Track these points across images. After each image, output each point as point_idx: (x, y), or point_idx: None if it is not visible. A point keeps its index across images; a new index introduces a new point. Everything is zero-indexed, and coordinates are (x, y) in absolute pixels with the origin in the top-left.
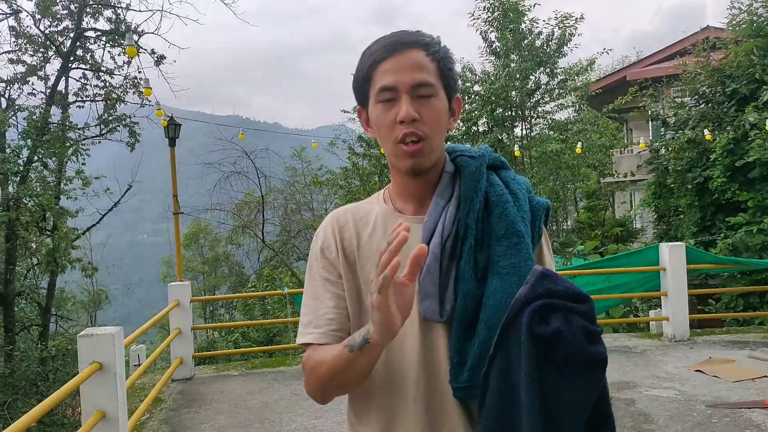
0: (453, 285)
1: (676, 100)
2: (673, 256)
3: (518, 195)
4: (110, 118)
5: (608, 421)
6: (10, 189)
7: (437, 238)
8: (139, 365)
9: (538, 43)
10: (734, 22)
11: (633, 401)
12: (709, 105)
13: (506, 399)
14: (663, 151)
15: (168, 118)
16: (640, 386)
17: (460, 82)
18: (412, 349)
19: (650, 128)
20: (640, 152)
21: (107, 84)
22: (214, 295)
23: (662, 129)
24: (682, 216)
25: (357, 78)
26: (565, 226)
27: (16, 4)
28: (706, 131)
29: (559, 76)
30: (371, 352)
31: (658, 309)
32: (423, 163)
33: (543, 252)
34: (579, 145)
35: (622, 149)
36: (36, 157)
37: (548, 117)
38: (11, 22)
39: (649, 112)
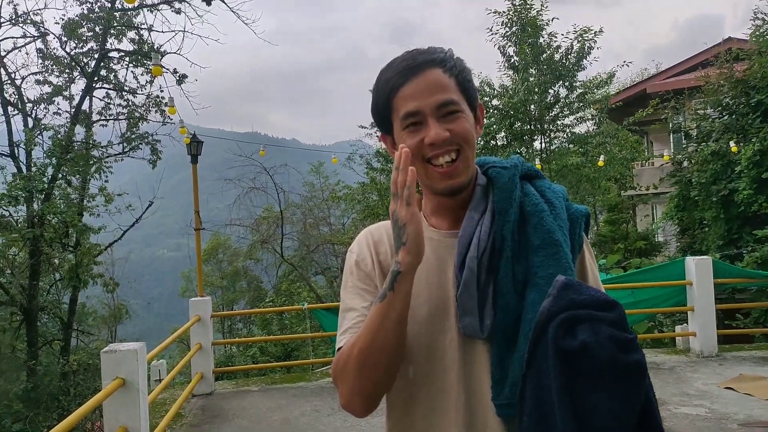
0: (492, 300)
1: (698, 112)
2: (699, 270)
3: (554, 203)
4: (133, 136)
5: None
6: (35, 206)
7: (473, 252)
8: (160, 380)
9: (556, 57)
10: (758, 33)
11: (662, 419)
12: (733, 116)
13: (542, 418)
14: (686, 163)
15: (191, 136)
16: (669, 404)
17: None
18: (452, 368)
19: (671, 141)
20: (662, 165)
21: (130, 103)
22: (232, 309)
23: (684, 141)
24: (706, 229)
25: (377, 107)
26: None
27: (43, 27)
28: (731, 143)
29: (578, 90)
30: (403, 285)
31: (684, 324)
32: (460, 183)
33: (585, 260)
34: (601, 158)
35: (644, 162)
36: (60, 175)
37: (567, 130)
38: (39, 44)
39: (671, 125)
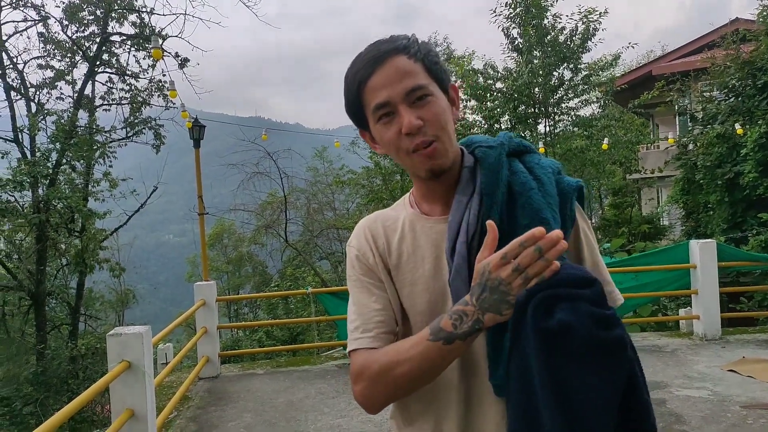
0: None
1: (704, 94)
2: (704, 254)
3: (543, 180)
4: (136, 121)
5: (646, 415)
6: (40, 191)
7: (462, 237)
8: (167, 364)
9: (561, 38)
10: (765, 14)
11: (664, 401)
12: (740, 99)
13: (528, 398)
14: (691, 146)
15: (193, 120)
16: (671, 386)
17: (481, 79)
18: None
19: (677, 123)
20: (667, 148)
21: (132, 87)
22: (237, 294)
23: (690, 124)
24: (711, 212)
25: (348, 103)
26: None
27: (44, 10)
28: (737, 125)
29: (582, 72)
30: (474, 338)
31: (688, 308)
32: (442, 164)
33: (579, 234)
34: (606, 141)
35: (649, 145)
36: (64, 160)
37: (572, 113)
38: (40, 28)
39: (677, 107)
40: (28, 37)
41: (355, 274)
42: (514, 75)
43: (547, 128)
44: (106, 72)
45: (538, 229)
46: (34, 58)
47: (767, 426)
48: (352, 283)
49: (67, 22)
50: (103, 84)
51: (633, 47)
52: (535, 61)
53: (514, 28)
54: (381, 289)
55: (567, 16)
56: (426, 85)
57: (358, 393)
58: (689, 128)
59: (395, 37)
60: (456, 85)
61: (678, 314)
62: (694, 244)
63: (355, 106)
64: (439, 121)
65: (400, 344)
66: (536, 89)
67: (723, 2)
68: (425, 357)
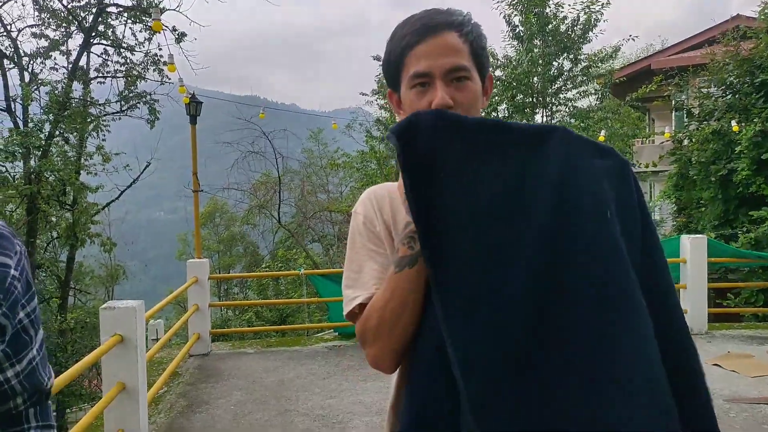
0: None
1: (701, 90)
2: (694, 249)
3: None
4: (131, 94)
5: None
6: (32, 163)
7: None
8: (158, 339)
9: (562, 28)
10: (766, 11)
11: None
12: (737, 96)
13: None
14: (686, 141)
15: (190, 96)
16: None
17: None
18: None
19: (673, 118)
20: (662, 142)
21: (128, 60)
22: (228, 273)
23: (686, 119)
24: (703, 208)
25: (388, 61)
26: None
27: None
28: (733, 122)
29: (582, 63)
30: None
31: None
32: None
33: None
34: (602, 133)
35: (644, 139)
36: (57, 132)
37: (570, 104)
38: None
39: (674, 102)
40: (23, 5)
41: (361, 240)
42: (514, 63)
43: (545, 118)
44: (102, 44)
45: None
46: (29, 26)
47: (749, 419)
48: (354, 249)
49: None
50: (98, 56)
51: (633, 40)
52: (536, 50)
53: (515, 15)
54: (382, 255)
55: (569, 5)
56: (468, 67)
57: (368, 354)
58: (685, 124)
59: (452, 10)
60: (491, 75)
61: None
62: (685, 239)
63: (394, 67)
64: (469, 105)
65: (378, 293)
66: (535, 78)
67: None
68: (403, 286)
